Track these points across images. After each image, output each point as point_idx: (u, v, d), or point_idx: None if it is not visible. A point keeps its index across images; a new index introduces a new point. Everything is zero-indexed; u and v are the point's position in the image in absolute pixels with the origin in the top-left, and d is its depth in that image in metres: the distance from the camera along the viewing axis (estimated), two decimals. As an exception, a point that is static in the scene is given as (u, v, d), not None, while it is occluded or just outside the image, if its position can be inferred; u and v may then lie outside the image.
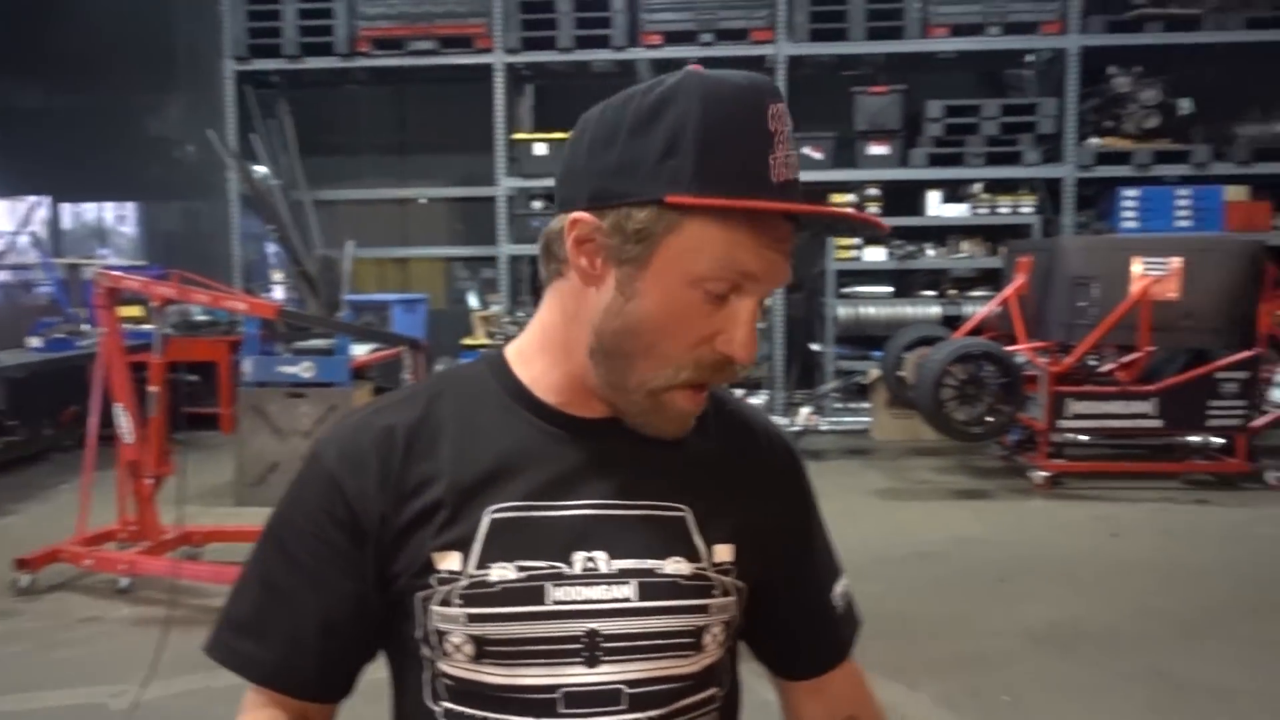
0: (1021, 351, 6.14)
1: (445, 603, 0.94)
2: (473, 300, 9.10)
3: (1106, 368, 6.60)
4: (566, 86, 9.19)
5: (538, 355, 1.01)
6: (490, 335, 8.20)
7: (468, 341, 8.60)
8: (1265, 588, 4.39)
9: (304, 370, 6.09)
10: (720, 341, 0.91)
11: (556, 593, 0.94)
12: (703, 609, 0.98)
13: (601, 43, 8.10)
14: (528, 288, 8.38)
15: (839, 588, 1.13)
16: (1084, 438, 6.48)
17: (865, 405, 8.03)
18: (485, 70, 8.20)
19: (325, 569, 0.98)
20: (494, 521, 0.95)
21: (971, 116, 7.98)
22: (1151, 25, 7.87)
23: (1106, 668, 3.59)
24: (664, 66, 8.60)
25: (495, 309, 8.43)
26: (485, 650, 0.94)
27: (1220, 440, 6.32)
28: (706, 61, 8.76)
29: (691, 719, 0.99)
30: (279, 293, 9.43)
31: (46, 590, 4.41)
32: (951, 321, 7.59)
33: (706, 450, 1.03)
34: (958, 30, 7.98)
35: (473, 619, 0.94)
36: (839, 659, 1.13)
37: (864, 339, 8.19)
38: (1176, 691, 3.39)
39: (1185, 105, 7.97)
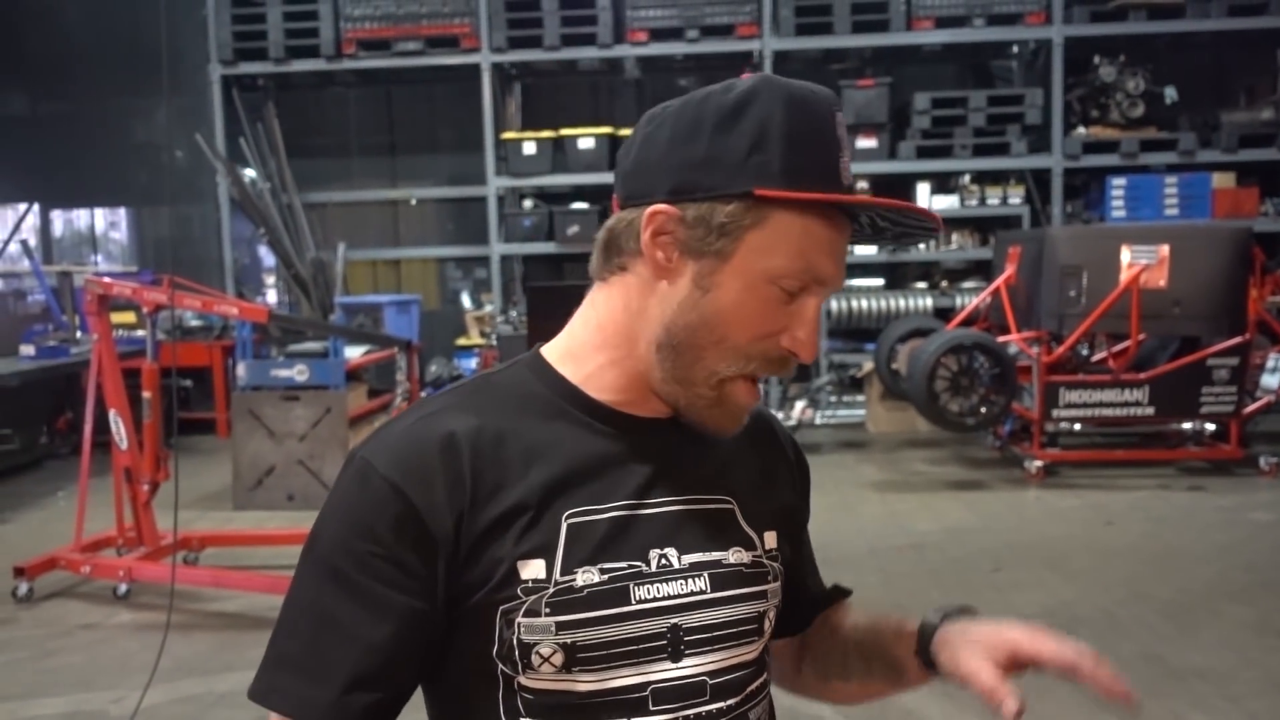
0: (1013, 342, 6.16)
1: (532, 613, 0.91)
2: (466, 300, 9.11)
3: (1098, 357, 6.63)
4: (554, 85, 9.20)
5: (592, 353, 1.00)
6: (483, 335, 8.21)
7: (461, 342, 8.61)
8: (1258, 572, 4.42)
9: (298, 373, 6.10)
10: (785, 338, 0.93)
11: (640, 592, 0.94)
12: (763, 595, 1.01)
13: (588, 40, 8.10)
14: (519, 287, 8.39)
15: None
16: (1077, 427, 6.51)
17: (860, 398, 8.05)
18: (472, 70, 8.21)
19: (393, 592, 0.91)
20: (571, 526, 0.94)
21: (958, 108, 8.01)
22: (1135, 14, 7.90)
23: (1101, 654, 3.60)
24: (650, 64, 8.66)
25: (488, 308, 8.44)
26: (576, 657, 0.92)
27: (1213, 427, 6.35)
28: (692, 57, 8.77)
29: (757, 704, 1.01)
30: (272, 296, 9.44)
31: (45, 597, 4.41)
32: (944, 313, 7.62)
33: (738, 444, 1.05)
34: (942, 22, 8.01)
35: (561, 627, 0.91)
36: (841, 597, 1.21)
37: (857, 332, 8.22)
38: (1171, 676, 3.41)
39: (1170, 93, 8.01)
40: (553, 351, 1.01)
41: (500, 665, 0.93)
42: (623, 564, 0.95)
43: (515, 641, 0.92)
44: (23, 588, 4.36)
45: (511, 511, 0.93)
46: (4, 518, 5.88)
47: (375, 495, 0.92)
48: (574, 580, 0.92)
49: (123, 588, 4.34)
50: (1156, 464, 6.33)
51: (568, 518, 0.94)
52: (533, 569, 0.92)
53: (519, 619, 0.91)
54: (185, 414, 7.46)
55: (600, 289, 0.99)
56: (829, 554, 1.31)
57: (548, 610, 0.91)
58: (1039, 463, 6.13)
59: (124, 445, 4.46)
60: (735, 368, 0.94)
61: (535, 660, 0.92)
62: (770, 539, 1.04)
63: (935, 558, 4.72)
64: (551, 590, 0.92)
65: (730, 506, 1.02)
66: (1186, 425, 6.42)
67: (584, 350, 1.00)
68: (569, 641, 0.91)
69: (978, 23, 8.00)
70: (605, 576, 0.93)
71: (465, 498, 0.92)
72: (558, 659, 0.92)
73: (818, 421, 7.82)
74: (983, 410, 5.92)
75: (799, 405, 7.78)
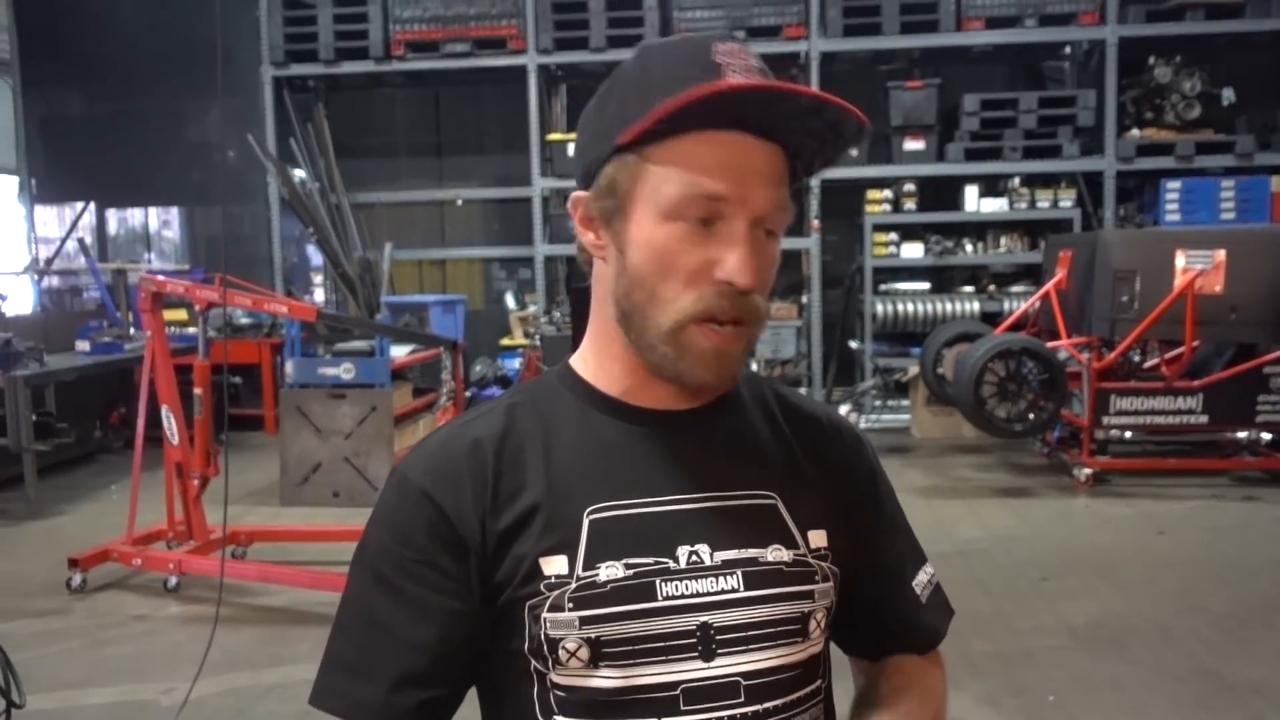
0: (1063, 347, 6.07)
1: (556, 608, 0.92)
2: (510, 300, 9.15)
3: (1151, 363, 6.50)
4: (600, 87, 9.22)
5: (594, 352, 1.03)
6: (527, 335, 8.24)
7: (506, 342, 8.65)
8: (1316, 585, 4.31)
9: (344, 372, 6.16)
10: (717, 269, 0.91)
11: (666, 588, 0.93)
12: (808, 595, 0.98)
13: (634, 42, 8.03)
14: (563, 288, 8.41)
15: (922, 575, 1.11)
16: (1128, 434, 6.39)
17: (905, 403, 7.97)
18: (519, 71, 8.25)
19: (432, 594, 0.95)
20: (594, 522, 0.95)
21: (1009, 110, 7.90)
22: (1192, 14, 7.75)
23: (1152, 666, 3.54)
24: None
25: (532, 309, 8.47)
26: (601, 653, 0.92)
27: (1269, 436, 6.20)
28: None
29: (805, 710, 0.99)
30: (320, 295, 9.55)
31: (98, 588, 4.49)
32: (991, 317, 7.52)
33: (780, 440, 1.05)
34: (993, 23, 7.90)
35: (585, 621, 0.92)
36: (926, 646, 1.11)
37: (903, 336, 8.14)
38: (1225, 691, 3.34)
39: (1228, 95, 7.84)
40: (575, 357, 1.05)
41: (533, 661, 0.95)
42: (649, 559, 0.94)
43: (544, 637, 0.93)
44: (77, 578, 4.45)
45: (532, 509, 0.95)
46: (60, 509, 6.01)
47: (410, 503, 0.97)
48: (597, 575, 0.93)
49: (173, 580, 4.41)
50: (1210, 473, 6.20)
51: (590, 514, 0.95)
52: (555, 565, 0.93)
53: (544, 614, 0.93)
54: (234, 410, 7.57)
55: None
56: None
57: (571, 605, 0.92)
58: (1088, 470, 6.03)
59: (175, 440, 4.53)
60: (674, 315, 0.92)
61: (563, 655, 0.93)
62: (817, 538, 1.00)
63: (982, 566, 4.66)
64: (574, 585, 0.93)
65: (773, 502, 1.00)
66: (1241, 434, 6.28)
67: (590, 351, 1.03)
68: (593, 636, 0.92)
69: (1029, 23, 7.89)
70: (630, 572, 0.93)
71: (487, 499, 0.95)
72: (584, 654, 0.92)
73: (862, 426, 7.76)
74: (1031, 416, 5.83)
75: (843, 409, 7.72)
